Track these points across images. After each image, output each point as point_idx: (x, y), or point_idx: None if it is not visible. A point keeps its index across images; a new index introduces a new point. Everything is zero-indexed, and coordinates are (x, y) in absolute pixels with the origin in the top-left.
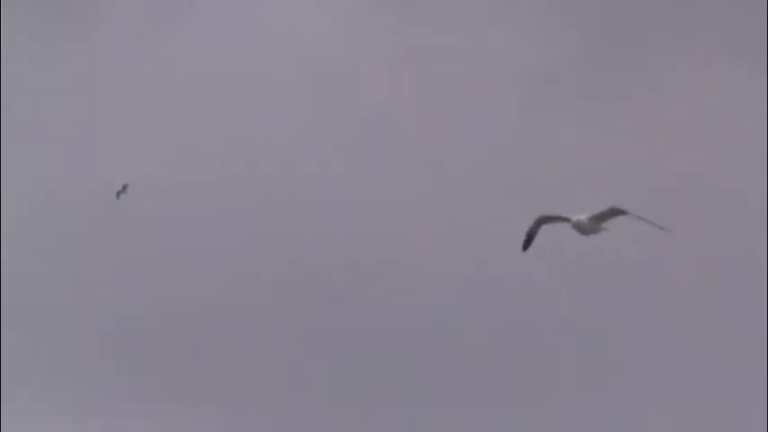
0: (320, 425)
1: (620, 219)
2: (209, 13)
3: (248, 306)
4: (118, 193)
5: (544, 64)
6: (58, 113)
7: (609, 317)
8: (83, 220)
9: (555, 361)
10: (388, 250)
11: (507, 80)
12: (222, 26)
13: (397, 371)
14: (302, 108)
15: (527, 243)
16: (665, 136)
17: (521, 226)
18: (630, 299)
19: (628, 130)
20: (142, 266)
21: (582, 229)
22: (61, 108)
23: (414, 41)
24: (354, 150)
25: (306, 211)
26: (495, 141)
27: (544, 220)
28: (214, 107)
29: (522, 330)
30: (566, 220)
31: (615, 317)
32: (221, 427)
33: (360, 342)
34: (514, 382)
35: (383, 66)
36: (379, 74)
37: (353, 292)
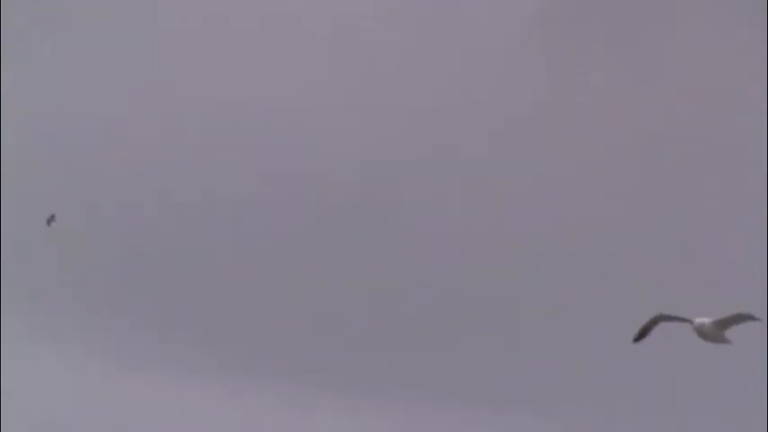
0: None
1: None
2: None
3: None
4: (48, 222)
5: (546, 6)
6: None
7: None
8: (82, 156)
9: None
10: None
11: (509, 22)
12: None
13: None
14: (305, 49)
15: (639, 337)
16: (675, 80)
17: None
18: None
19: (634, 75)
20: (145, 200)
21: (704, 334)
22: (60, 46)
23: None
24: (354, 94)
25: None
26: (497, 82)
27: (662, 319)
28: (214, 44)
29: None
30: (686, 321)
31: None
32: (228, 358)
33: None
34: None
35: (384, 9)
36: (380, 18)
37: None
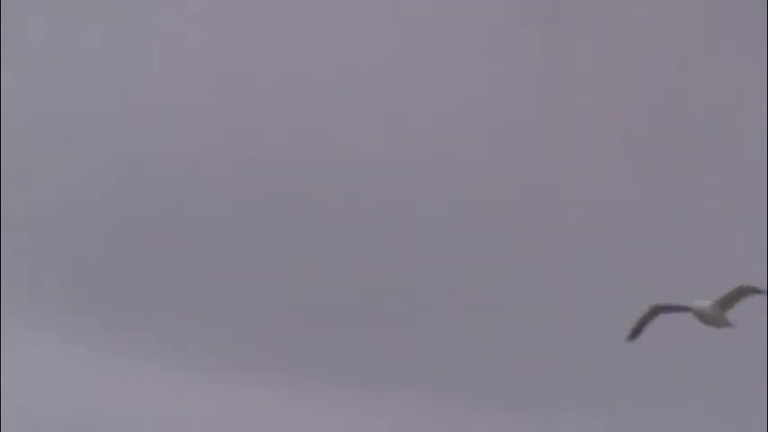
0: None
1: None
2: None
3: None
4: None
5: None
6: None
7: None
8: (83, 154)
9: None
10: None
11: (503, 20)
12: None
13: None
14: (299, 48)
15: (635, 333)
16: (675, 78)
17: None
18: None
19: (633, 72)
20: (146, 198)
21: (704, 317)
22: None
23: None
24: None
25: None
26: (493, 80)
27: (658, 310)
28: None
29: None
30: (684, 308)
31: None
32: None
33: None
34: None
35: (377, 7)
36: (372, 15)
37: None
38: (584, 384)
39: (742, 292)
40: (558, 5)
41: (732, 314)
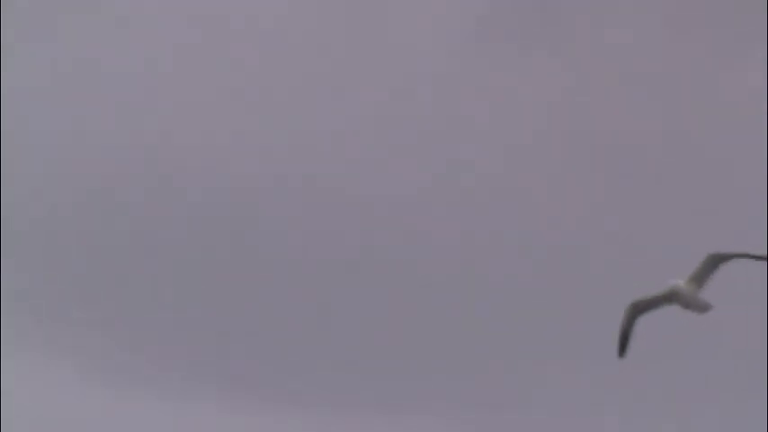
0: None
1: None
2: None
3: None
4: None
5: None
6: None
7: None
8: (79, 144)
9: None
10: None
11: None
12: None
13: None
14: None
15: (624, 344)
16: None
17: None
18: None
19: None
20: (141, 192)
21: (681, 298)
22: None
23: None
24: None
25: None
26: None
27: (638, 309)
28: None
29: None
30: (662, 299)
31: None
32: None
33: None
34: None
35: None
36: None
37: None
38: (584, 384)
39: (714, 262)
40: (558, 4)
41: (707, 293)
